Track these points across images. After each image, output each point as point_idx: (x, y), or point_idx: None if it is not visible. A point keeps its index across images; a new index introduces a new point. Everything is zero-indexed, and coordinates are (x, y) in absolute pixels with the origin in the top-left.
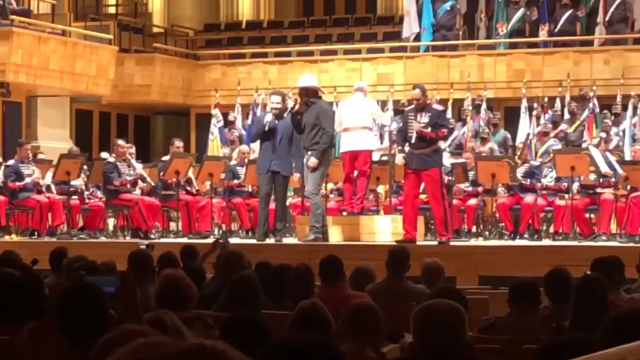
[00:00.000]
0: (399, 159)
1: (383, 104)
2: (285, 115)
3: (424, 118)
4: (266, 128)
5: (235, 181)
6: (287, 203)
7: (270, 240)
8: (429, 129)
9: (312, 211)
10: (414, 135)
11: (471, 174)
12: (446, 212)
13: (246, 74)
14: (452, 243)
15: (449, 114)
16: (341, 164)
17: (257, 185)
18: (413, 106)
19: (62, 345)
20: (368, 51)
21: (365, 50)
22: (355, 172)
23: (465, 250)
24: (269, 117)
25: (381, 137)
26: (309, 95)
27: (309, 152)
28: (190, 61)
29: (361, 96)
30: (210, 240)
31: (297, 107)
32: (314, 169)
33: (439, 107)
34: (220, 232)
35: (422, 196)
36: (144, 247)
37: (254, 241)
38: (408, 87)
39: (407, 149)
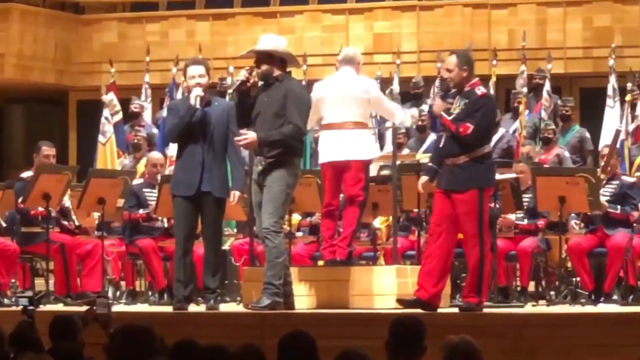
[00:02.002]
0: (423, 181)
1: (383, 84)
2: (230, 93)
3: (457, 107)
4: (196, 112)
5: (142, 211)
6: (227, 246)
7: (198, 308)
8: (450, 118)
9: (269, 260)
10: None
11: (527, 197)
12: (483, 260)
13: (160, 36)
14: (495, 310)
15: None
16: (315, 183)
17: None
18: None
19: None
20: None
21: None
22: (342, 197)
23: (516, 322)
24: (198, 92)
25: (380, 137)
26: (273, 66)
27: (264, 162)
28: (68, 15)
29: (352, 73)
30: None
31: (251, 81)
32: (271, 189)
33: (479, 91)
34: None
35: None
36: (24, 301)
37: (171, 309)
38: (424, 57)
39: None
